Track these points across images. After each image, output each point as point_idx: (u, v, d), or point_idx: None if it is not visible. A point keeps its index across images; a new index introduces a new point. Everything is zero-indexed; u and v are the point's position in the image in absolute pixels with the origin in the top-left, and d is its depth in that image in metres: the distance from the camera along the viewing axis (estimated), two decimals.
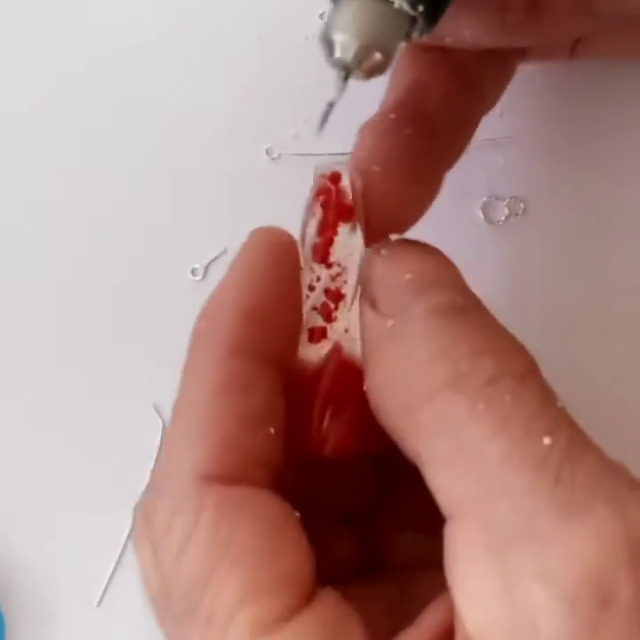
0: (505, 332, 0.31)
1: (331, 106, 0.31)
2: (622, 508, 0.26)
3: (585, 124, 0.46)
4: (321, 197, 0.35)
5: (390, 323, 0.31)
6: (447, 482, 0.29)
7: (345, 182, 0.35)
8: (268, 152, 0.46)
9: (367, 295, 0.33)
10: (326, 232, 0.35)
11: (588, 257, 0.45)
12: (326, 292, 0.34)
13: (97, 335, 0.46)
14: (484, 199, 0.45)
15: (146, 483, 0.43)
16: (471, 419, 0.28)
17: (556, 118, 0.46)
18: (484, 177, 0.45)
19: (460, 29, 0.35)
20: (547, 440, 0.27)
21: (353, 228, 0.35)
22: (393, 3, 0.30)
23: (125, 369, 0.45)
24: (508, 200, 0.45)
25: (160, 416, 0.45)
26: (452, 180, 0.45)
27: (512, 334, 0.30)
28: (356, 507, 0.37)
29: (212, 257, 0.46)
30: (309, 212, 0.35)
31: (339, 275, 0.35)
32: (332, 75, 0.36)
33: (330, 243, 0.35)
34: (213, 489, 0.29)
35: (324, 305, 0.34)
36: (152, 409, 0.45)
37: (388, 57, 0.30)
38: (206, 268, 0.46)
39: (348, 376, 0.34)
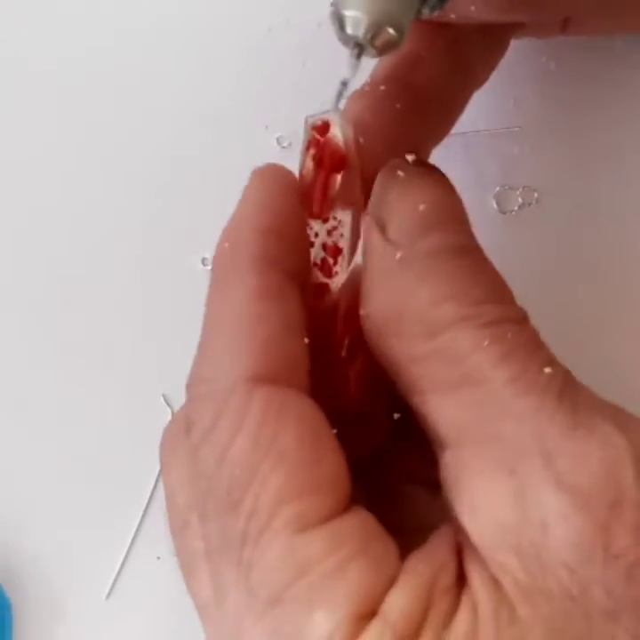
0: (501, 280, 0.32)
1: (344, 84, 0.32)
2: (624, 425, 0.28)
3: (599, 114, 0.45)
4: (312, 150, 0.34)
5: (398, 254, 0.31)
6: (450, 410, 0.30)
7: (335, 132, 0.34)
8: (278, 141, 0.46)
9: (377, 218, 0.32)
10: (323, 186, 0.34)
11: (600, 247, 0.45)
12: (324, 247, 0.34)
13: (106, 325, 0.46)
14: (497, 189, 0.45)
15: (156, 474, 0.44)
16: (476, 351, 0.29)
17: (570, 108, 0.45)
18: (497, 166, 0.45)
19: (465, 5, 0.34)
20: (547, 369, 0.29)
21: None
22: None
23: (135, 359, 0.45)
24: (521, 189, 0.45)
25: (169, 406, 0.44)
26: (466, 169, 0.45)
27: (506, 284, 0.32)
28: (364, 455, 0.37)
29: None
30: (303, 165, 0.34)
31: (335, 228, 0.34)
32: (344, 55, 0.35)
33: (324, 198, 0.34)
34: (260, 389, 0.29)
35: (324, 261, 0.34)
36: (162, 399, 0.45)
37: (400, 33, 0.30)
38: None
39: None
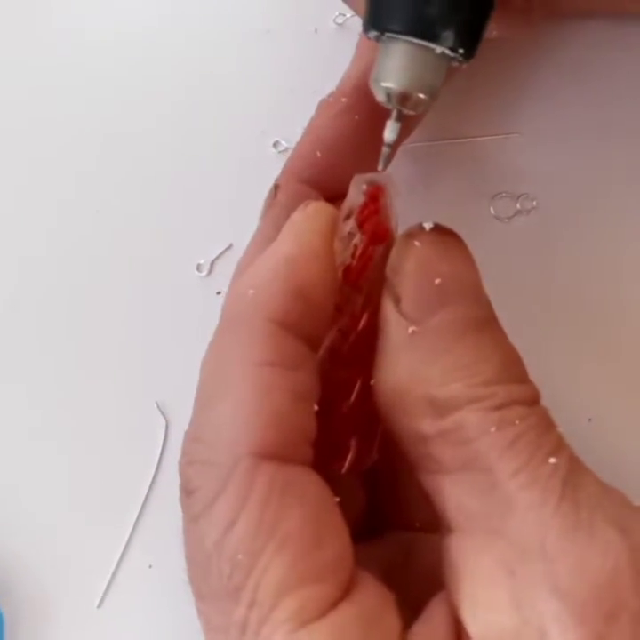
0: (515, 356, 0.32)
1: (389, 146, 0.34)
2: (625, 528, 0.28)
3: (598, 122, 0.45)
4: (361, 217, 0.33)
5: (411, 329, 0.31)
6: (456, 495, 0.30)
7: (385, 202, 0.33)
8: (275, 146, 0.46)
9: (391, 289, 0.32)
10: (361, 257, 0.33)
11: (598, 255, 0.44)
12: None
13: (101, 332, 0.45)
14: (495, 195, 0.45)
15: (149, 482, 0.43)
16: (483, 436, 0.29)
17: (569, 115, 0.45)
18: (495, 173, 0.45)
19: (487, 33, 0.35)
20: (552, 460, 0.29)
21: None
22: (434, 49, 0.32)
23: (129, 366, 0.45)
24: (518, 196, 0.44)
25: (163, 414, 0.44)
26: (464, 175, 0.45)
27: (520, 359, 0.32)
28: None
29: (217, 253, 0.45)
30: (344, 223, 0.33)
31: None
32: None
33: (363, 269, 0.33)
34: (265, 467, 0.29)
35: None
36: (156, 406, 0.44)
37: (431, 95, 0.33)
38: (212, 264, 0.45)
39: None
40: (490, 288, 0.33)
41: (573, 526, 0.28)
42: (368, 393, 0.32)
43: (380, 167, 0.34)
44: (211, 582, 0.29)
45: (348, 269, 0.33)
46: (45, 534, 0.44)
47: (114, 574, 0.43)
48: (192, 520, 0.30)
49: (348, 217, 0.33)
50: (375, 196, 0.33)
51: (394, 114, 0.33)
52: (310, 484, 0.30)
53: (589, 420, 0.42)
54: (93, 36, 0.48)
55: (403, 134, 0.38)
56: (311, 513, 0.29)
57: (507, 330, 0.32)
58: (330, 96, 0.39)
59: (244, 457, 0.29)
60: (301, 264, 0.31)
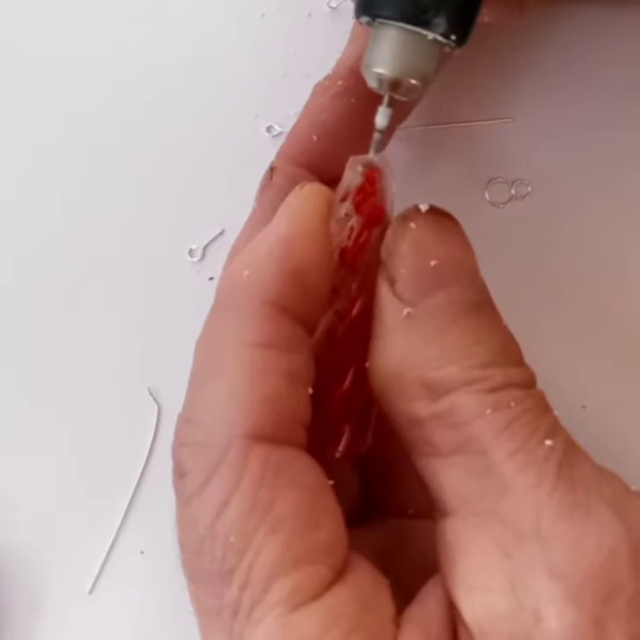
0: (511, 338, 0.31)
1: (380, 132, 0.33)
2: (621, 510, 0.28)
3: (593, 107, 0.45)
4: (357, 199, 0.33)
5: (406, 311, 0.31)
6: (451, 477, 0.30)
7: (383, 185, 0.33)
8: (268, 130, 0.45)
9: (387, 271, 0.32)
10: (358, 239, 0.33)
11: (592, 241, 0.44)
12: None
13: (93, 318, 0.45)
14: (490, 181, 0.44)
15: (141, 468, 0.43)
16: (478, 418, 0.29)
17: (564, 100, 0.45)
18: (490, 158, 0.45)
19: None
20: (548, 442, 0.29)
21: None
22: (426, 35, 0.31)
23: (121, 351, 0.45)
24: (513, 182, 0.44)
25: (156, 399, 0.44)
26: (459, 161, 0.45)
27: (516, 342, 0.31)
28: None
29: (210, 238, 0.45)
30: (340, 204, 0.33)
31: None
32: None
33: (360, 251, 0.33)
34: (258, 449, 0.29)
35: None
36: (148, 392, 0.44)
37: (423, 81, 0.32)
38: (204, 250, 0.45)
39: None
40: (484, 273, 0.32)
41: (569, 508, 0.28)
42: (363, 377, 0.32)
43: (371, 153, 0.33)
44: (203, 565, 0.29)
45: (344, 251, 0.33)
46: (36, 520, 0.44)
47: (105, 560, 0.43)
48: (184, 502, 0.30)
49: (343, 199, 0.33)
50: (372, 178, 0.33)
51: (385, 100, 0.33)
52: (304, 467, 0.30)
53: (583, 406, 0.42)
54: (88, 22, 0.47)
55: (396, 119, 0.38)
56: (305, 495, 0.29)
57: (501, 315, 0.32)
58: (326, 79, 0.39)
59: (238, 439, 0.29)
60: (297, 245, 0.31)
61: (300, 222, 0.31)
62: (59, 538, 0.44)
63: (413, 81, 0.32)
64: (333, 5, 0.46)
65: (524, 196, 0.44)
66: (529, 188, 0.44)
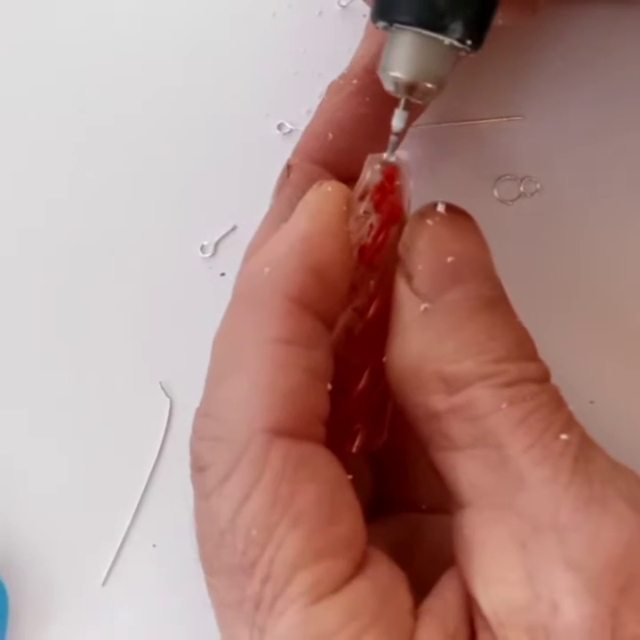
0: (525, 334, 0.32)
1: (396, 134, 0.34)
2: (637, 503, 0.28)
3: (602, 105, 0.45)
4: (376, 197, 0.33)
5: (423, 306, 0.31)
6: (468, 470, 0.30)
7: (401, 183, 0.34)
8: (279, 128, 0.46)
9: (404, 267, 0.32)
10: (377, 237, 0.33)
11: (601, 238, 0.44)
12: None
13: (105, 313, 0.45)
14: (499, 178, 0.45)
15: (153, 461, 0.44)
16: (494, 412, 0.29)
17: (573, 97, 0.45)
18: (499, 156, 0.45)
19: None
20: (563, 436, 0.29)
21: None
22: (443, 40, 0.32)
23: (132, 346, 0.45)
24: (522, 179, 0.44)
25: (167, 394, 0.44)
26: (468, 158, 0.45)
27: (531, 337, 0.32)
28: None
29: (221, 234, 0.45)
30: (359, 202, 0.33)
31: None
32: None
33: (379, 248, 0.33)
34: (279, 443, 0.29)
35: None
36: (160, 386, 0.44)
37: (438, 84, 0.33)
38: (216, 246, 0.45)
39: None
40: None
41: (586, 501, 0.28)
42: (380, 373, 0.33)
43: (388, 154, 0.34)
44: (224, 558, 0.29)
45: (362, 249, 0.33)
46: (50, 513, 0.44)
47: (118, 553, 0.43)
48: (204, 496, 0.30)
49: (362, 197, 0.33)
50: (391, 176, 0.33)
51: (402, 103, 0.33)
52: (324, 461, 0.30)
53: (592, 402, 0.42)
54: (96, 17, 0.48)
55: (410, 120, 0.38)
56: (325, 489, 0.29)
57: None
58: (340, 78, 0.39)
59: (259, 433, 0.29)
60: (317, 242, 0.31)
61: (320, 219, 0.32)
62: (72, 530, 0.44)
63: (429, 85, 0.33)
64: (344, 4, 0.46)
65: (532, 194, 0.44)
66: (538, 186, 0.44)
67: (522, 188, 0.44)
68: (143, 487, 0.44)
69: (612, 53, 0.45)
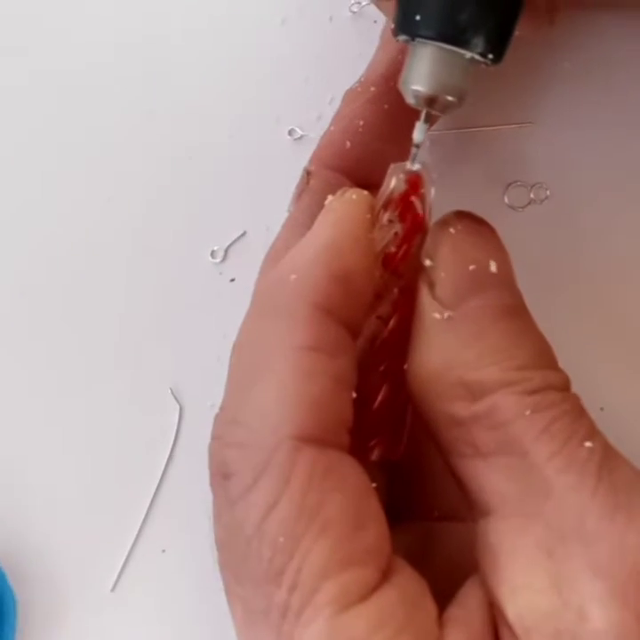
0: (546, 343, 0.32)
1: (417, 146, 0.34)
2: None
3: (612, 111, 0.45)
4: (400, 206, 0.33)
5: (447, 314, 0.31)
6: (491, 478, 0.30)
7: (424, 192, 0.34)
8: (290, 133, 0.46)
9: (427, 275, 0.32)
10: (402, 245, 0.33)
11: (612, 245, 0.44)
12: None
13: (115, 317, 0.45)
14: (509, 185, 0.44)
15: (163, 467, 0.44)
16: (518, 419, 0.29)
17: (583, 104, 0.45)
18: (509, 162, 0.45)
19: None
20: (588, 443, 0.29)
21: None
22: (464, 54, 0.32)
23: (143, 352, 0.45)
24: (532, 186, 0.44)
25: (177, 399, 0.44)
26: (478, 164, 0.45)
27: (550, 346, 0.32)
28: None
29: (231, 239, 0.45)
30: (382, 211, 0.33)
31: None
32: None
33: (404, 257, 0.34)
34: (306, 451, 0.29)
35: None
36: (170, 392, 0.44)
37: (459, 97, 0.33)
38: (226, 251, 0.45)
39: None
40: None
41: (612, 508, 0.28)
42: (401, 382, 0.33)
43: (409, 165, 0.34)
44: (250, 566, 0.29)
45: (386, 257, 0.33)
46: (59, 518, 0.44)
47: (127, 558, 0.43)
48: (230, 504, 0.30)
49: (385, 205, 0.33)
50: (416, 185, 0.34)
51: (423, 115, 0.34)
52: (350, 470, 0.30)
53: (602, 409, 0.42)
54: (106, 21, 0.48)
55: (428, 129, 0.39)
56: (351, 497, 0.29)
57: None
58: (357, 85, 0.39)
59: (286, 440, 0.29)
60: (342, 250, 0.31)
61: (345, 227, 0.32)
62: (81, 536, 0.44)
63: (450, 98, 0.33)
64: (355, 10, 0.46)
65: (543, 200, 0.44)
66: (548, 192, 0.44)
67: (532, 195, 0.44)
68: (153, 493, 0.44)
69: (622, 59, 0.45)
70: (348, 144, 0.38)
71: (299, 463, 0.29)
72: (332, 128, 0.39)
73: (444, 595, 0.31)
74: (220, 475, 0.30)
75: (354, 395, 0.31)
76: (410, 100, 0.33)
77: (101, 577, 0.43)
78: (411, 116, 0.34)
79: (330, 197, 0.34)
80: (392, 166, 0.34)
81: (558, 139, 0.45)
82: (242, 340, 0.32)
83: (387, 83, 0.38)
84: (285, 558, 0.28)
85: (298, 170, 0.44)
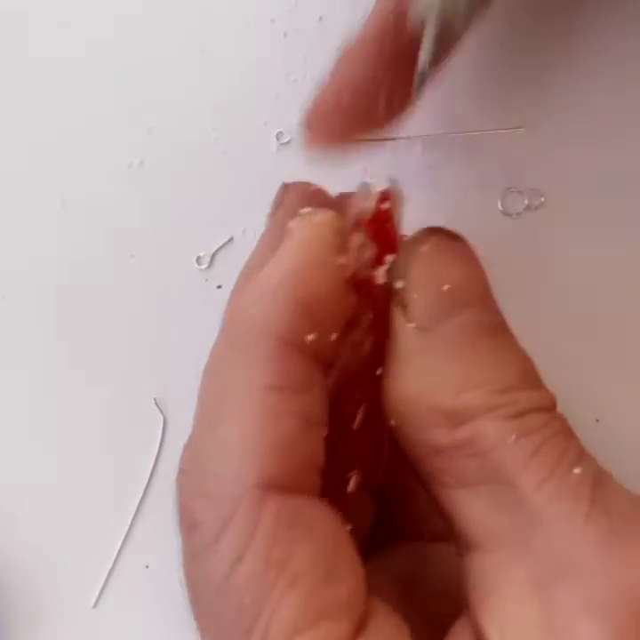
0: (529, 362, 0.31)
1: (422, 73, 0.33)
2: None
3: (606, 116, 0.44)
4: (371, 226, 0.32)
5: (420, 337, 0.30)
6: (476, 509, 0.29)
7: (394, 213, 0.33)
8: (278, 137, 0.45)
9: (399, 297, 0.31)
10: (375, 267, 0.32)
11: (606, 250, 0.44)
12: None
13: (99, 326, 0.45)
14: (503, 190, 0.44)
15: (146, 480, 0.43)
16: (503, 446, 0.28)
17: (576, 109, 0.44)
18: (503, 168, 0.44)
19: None
20: (577, 470, 0.28)
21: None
22: None
23: (126, 361, 0.44)
24: (527, 192, 0.44)
25: (161, 411, 0.43)
26: (471, 170, 0.44)
27: (534, 364, 0.31)
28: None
29: (217, 245, 0.45)
30: (351, 232, 0.31)
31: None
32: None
33: (375, 278, 0.32)
34: (271, 500, 0.28)
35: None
36: (153, 403, 0.44)
37: (466, 17, 0.33)
38: (212, 257, 0.44)
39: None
40: (497, 285, 0.32)
41: (607, 539, 0.27)
42: (376, 410, 0.31)
43: (415, 94, 0.33)
44: (218, 623, 0.28)
45: (357, 281, 0.31)
46: (40, 533, 0.43)
47: (110, 574, 0.43)
48: (195, 554, 0.29)
49: (355, 226, 0.32)
50: (385, 205, 0.32)
51: (428, 32, 0.33)
52: (319, 516, 0.29)
53: (597, 420, 0.42)
54: (93, 22, 0.47)
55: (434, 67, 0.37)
56: (322, 547, 0.28)
57: (513, 329, 0.31)
58: (355, 40, 0.37)
59: (250, 489, 0.27)
60: (307, 277, 0.29)
61: (310, 252, 0.30)
62: (63, 551, 0.43)
63: (455, 14, 0.32)
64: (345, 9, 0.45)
65: (537, 207, 0.44)
66: (542, 199, 0.44)
67: (526, 201, 0.44)
68: (136, 507, 0.43)
69: (616, 62, 0.44)
70: (345, 98, 0.36)
71: (263, 514, 0.27)
72: (328, 82, 0.37)
73: (438, 617, 0.30)
74: (187, 524, 0.29)
75: (325, 431, 0.30)
76: (415, 19, 0.32)
77: (83, 593, 0.43)
78: (411, 69, 0.33)
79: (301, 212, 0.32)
80: (360, 184, 0.32)
81: (553, 144, 0.44)
82: (210, 368, 0.31)
83: (384, 36, 0.36)
84: (254, 614, 0.27)
85: (285, 174, 0.43)
